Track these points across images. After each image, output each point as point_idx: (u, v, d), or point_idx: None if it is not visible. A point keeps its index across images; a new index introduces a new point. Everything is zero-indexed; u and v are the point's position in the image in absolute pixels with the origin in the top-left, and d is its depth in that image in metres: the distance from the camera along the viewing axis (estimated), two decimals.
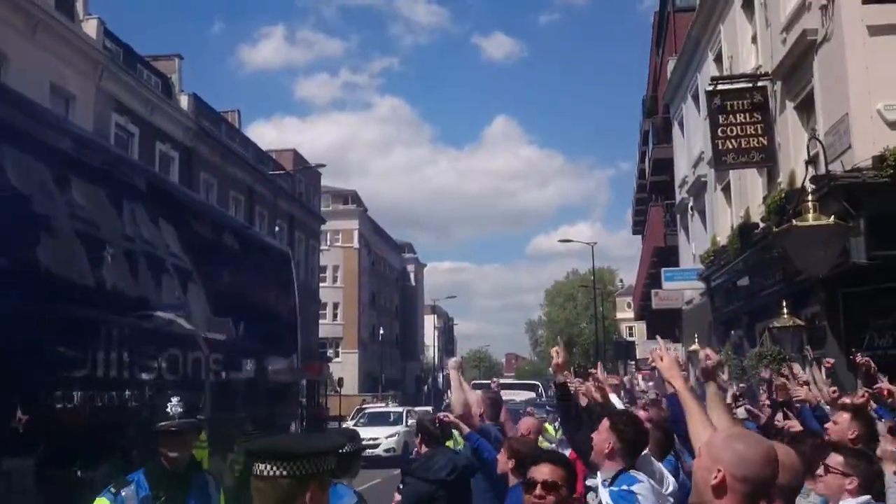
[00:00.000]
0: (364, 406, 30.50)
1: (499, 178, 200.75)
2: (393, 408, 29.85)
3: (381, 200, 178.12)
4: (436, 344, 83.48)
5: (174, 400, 3.95)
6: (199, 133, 30.02)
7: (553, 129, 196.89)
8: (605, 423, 4.19)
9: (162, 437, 3.90)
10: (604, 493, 3.98)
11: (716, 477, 2.22)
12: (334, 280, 58.71)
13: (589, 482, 4.22)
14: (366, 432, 20.28)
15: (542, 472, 3.24)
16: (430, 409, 30.97)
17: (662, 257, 30.05)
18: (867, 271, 11.50)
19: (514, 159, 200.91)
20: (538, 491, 3.14)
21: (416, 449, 5.94)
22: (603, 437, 4.11)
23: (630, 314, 56.74)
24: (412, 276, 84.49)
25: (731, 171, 18.40)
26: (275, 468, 2.11)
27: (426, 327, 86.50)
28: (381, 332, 63.96)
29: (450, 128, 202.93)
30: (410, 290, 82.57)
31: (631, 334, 67.78)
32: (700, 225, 23.91)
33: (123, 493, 3.78)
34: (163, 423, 3.90)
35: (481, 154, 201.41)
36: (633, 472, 4.10)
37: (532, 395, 28.71)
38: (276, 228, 35.25)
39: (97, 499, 3.81)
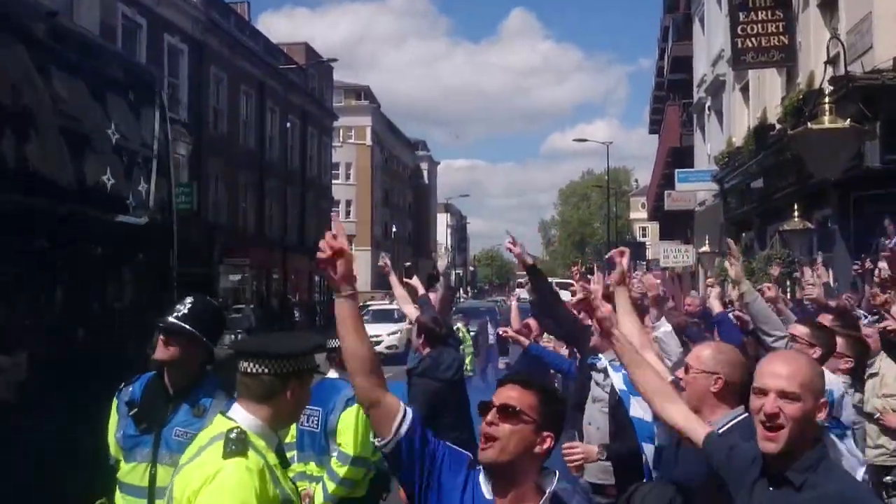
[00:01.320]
0: (368, 303, 30.89)
1: (515, 74, 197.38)
2: (397, 305, 29.99)
3: (395, 96, 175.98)
4: (448, 242, 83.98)
5: (188, 300, 3.43)
6: (209, 25, 29.44)
7: (571, 22, 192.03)
8: (608, 306, 4.25)
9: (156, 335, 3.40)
10: (617, 377, 4.03)
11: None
12: (347, 177, 58.57)
13: (598, 363, 4.30)
14: (369, 329, 20.27)
15: (505, 394, 2.35)
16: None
17: (677, 158, 29.72)
18: (881, 175, 11.37)
19: (531, 54, 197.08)
20: (489, 416, 2.30)
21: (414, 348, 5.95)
22: None
23: (644, 214, 56.58)
24: (425, 173, 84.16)
25: (749, 71, 17.96)
26: (258, 366, 2.32)
27: (439, 225, 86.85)
28: (394, 229, 64.25)
29: (466, 20, 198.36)
30: (423, 188, 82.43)
31: (644, 235, 67.79)
32: (716, 125, 23.54)
33: (123, 392, 3.49)
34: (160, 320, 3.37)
35: (497, 48, 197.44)
36: None
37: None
38: (288, 124, 34.96)
39: None
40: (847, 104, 10.91)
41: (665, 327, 4.63)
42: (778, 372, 2.31)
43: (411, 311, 6.30)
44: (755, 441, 2.34)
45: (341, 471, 4.30)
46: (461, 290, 71.62)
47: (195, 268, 26.46)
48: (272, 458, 2.34)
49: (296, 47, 41.92)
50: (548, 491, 2.28)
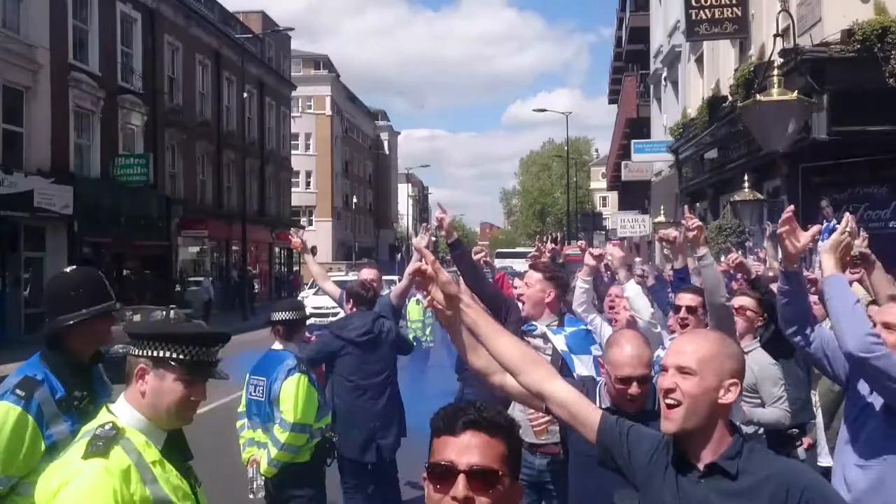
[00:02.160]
0: (329, 274, 30.86)
1: (476, 43, 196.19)
2: (352, 276, 30.06)
3: (354, 65, 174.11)
4: (410, 212, 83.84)
5: (70, 268, 3.15)
6: None
7: None
8: (538, 276, 4.47)
9: (93, 325, 3.00)
10: (558, 339, 4.23)
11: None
12: (307, 148, 58.05)
13: (537, 330, 4.46)
14: (324, 301, 20.01)
15: (471, 449, 1.62)
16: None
17: (635, 128, 29.99)
18: (827, 146, 11.63)
19: (493, 22, 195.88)
20: (458, 491, 1.58)
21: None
22: (540, 288, 4.41)
23: (604, 184, 57.09)
24: (386, 143, 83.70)
25: (704, 42, 18.15)
26: (131, 346, 2.35)
27: (400, 196, 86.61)
28: (355, 200, 63.96)
29: None
30: (384, 158, 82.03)
31: (605, 204, 68.45)
32: (672, 96, 23.77)
33: (37, 396, 2.83)
34: (95, 308, 2.97)
35: (458, 16, 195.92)
36: (574, 315, 4.64)
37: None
38: (245, 95, 34.50)
39: None
40: (796, 77, 11.13)
41: (633, 287, 4.79)
42: (679, 349, 2.23)
43: (330, 287, 6.51)
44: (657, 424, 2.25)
45: (283, 437, 4.52)
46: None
47: (153, 240, 26.29)
48: (151, 455, 2.23)
49: (252, 16, 41.25)
50: None
